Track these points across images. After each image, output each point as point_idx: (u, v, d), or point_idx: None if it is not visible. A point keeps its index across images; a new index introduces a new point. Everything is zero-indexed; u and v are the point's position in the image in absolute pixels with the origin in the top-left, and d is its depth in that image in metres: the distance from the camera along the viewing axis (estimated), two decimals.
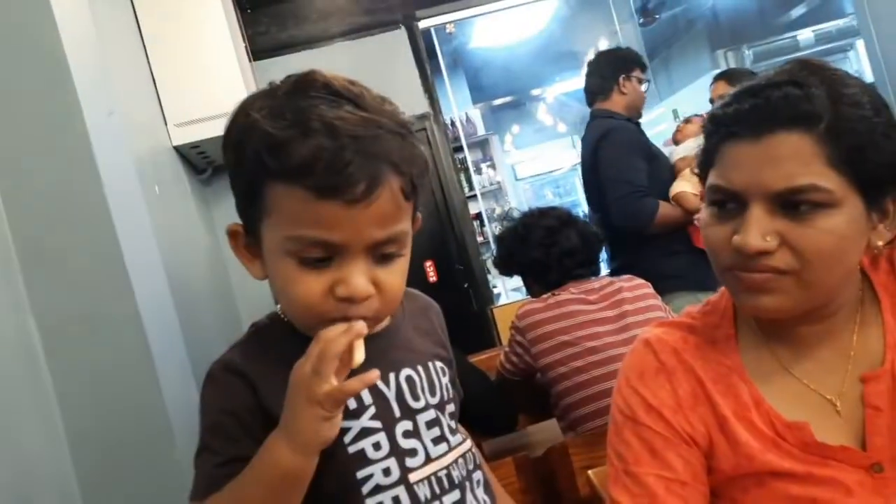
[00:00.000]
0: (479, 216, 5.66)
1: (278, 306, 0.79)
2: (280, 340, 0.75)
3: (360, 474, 0.71)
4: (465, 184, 5.24)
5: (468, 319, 4.94)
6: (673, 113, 5.55)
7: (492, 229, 5.73)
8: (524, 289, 2.55)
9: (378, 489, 0.72)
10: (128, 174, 1.27)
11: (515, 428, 1.85)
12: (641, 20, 6.26)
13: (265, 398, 0.70)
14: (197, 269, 2.05)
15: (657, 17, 6.29)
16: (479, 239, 5.31)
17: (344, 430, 0.71)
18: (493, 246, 5.62)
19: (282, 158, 0.64)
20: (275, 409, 0.68)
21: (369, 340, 0.69)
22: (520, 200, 7.14)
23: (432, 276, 4.45)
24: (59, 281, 1.04)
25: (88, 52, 1.18)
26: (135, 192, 1.29)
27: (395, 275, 0.70)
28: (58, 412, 1.02)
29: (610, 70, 2.56)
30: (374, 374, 0.64)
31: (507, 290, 5.63)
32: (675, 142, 2.74)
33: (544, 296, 1.69)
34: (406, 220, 0.70)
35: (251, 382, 0.71)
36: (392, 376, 0.76)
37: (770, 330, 0.82)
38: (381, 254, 0.68)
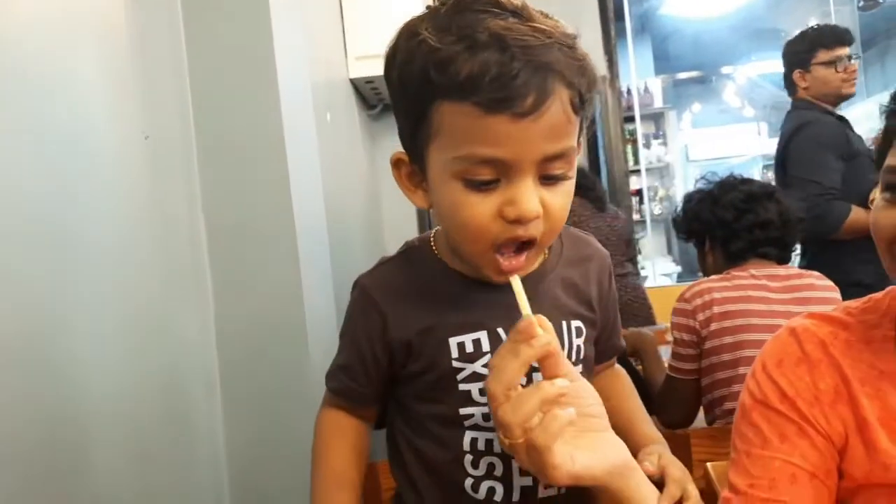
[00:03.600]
0: (639, 192, 5.44)
1: (432, 231, 0.82)
2: (424, 268, 0.80)
3: (463, 411, 0.76)
4: (630, 157, 5.04)
5: None
6: (880, 110, 4.97)
7: (651, 209, 5.50)
8: (675, 276, 2.39)
9: (477, 427, 0.76)
10: (304, 98, 1.34)
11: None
12: (861, 3, 5.60)
13: (391, 330, 0.78)
14: (352, 195, 2.14)
15: (881, 1, 5.61)
16: (636, 217, 5.11)
17: (458, 370, 0.75)
18: (648, 226, 5.42)
19: (449, 74, 0.62)
20: (397, 339, 0.77)
21: (507, 287, 0.70)
22: (687, 184, 6.77)
23: None
24: (228, 184, 1.13)
25: None
26: (308, 115, 1.36)
27: (562, 197, 0.68)
28: (212, 308, 1.12)
29: (787, 60, 2.34)
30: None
31: (657, 275, 5.41)
32: None
33: (716, 276, 1.53)
34: (574, 136, 0.67)
35: (382, 314, 0.78)
36: None
37: None
38: (548, 174, 0.66)
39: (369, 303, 0.79)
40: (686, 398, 1.54)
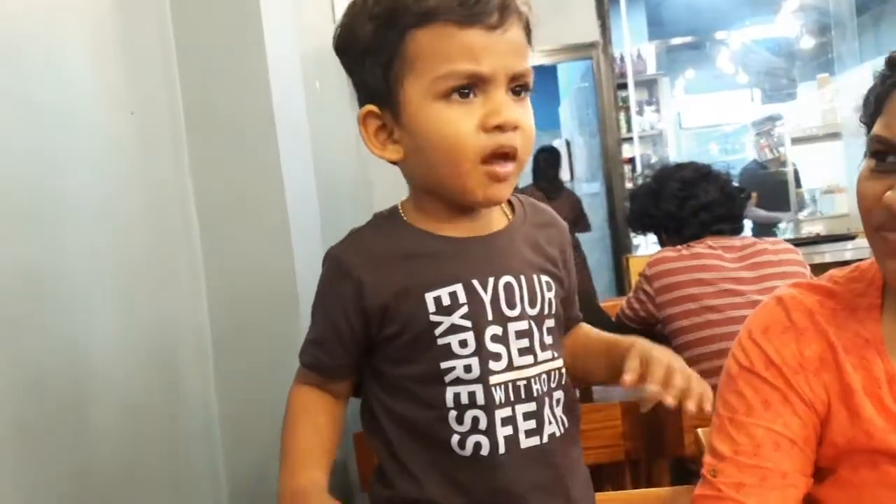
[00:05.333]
0: (632, 161, 5.42)
1: (400, 202, 0.83)
2: (395, 233, 0.81)
3: (444, 365, 0.76)
4: (623, 124, 5.02)
5: (603, 264, 4.84)
6: (874, 76, 4.94)
7: (643, 177, 5.49)
8: None
9: (458, 381, 0.77)
10: (293, 67, 1.32)
11: None
12: None
13: (368, 296, 0.78)
14: (343, 164, 2.12)
15: None
16: (629, 185, 5.10)
17: (436, 324, 0.76)
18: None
19: (421, 4, 0.70)
20: (373, 304, 0.78)
21: (478, 241, 0.78)
22: (680, 151, 6.75)
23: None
24: (218, 157, 1.12)
25: None
26: (297, 84, 1.34)
27: (528, 113, 0.75)
28: (203, 276, 1.11)
29: None
30: None
31: (648, 242, 5.42)
32: None
33: (679, 246, 1.65)
34: (529, 61, 0.75)
35: (357, 280, 0.78)
36: (491, 281, 0.77)
37: None
38: (516, 91, 0.73)
39: (342, 271, 0.79)
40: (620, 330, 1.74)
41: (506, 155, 0.73)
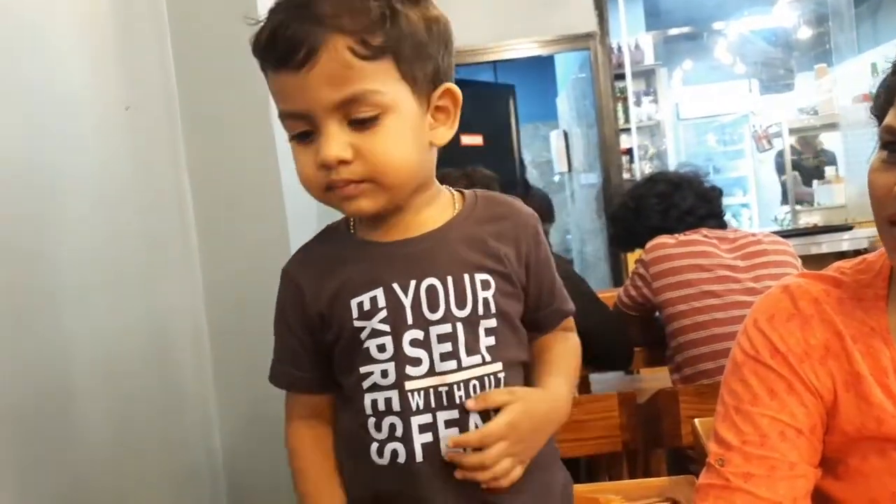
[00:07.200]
0: (629, 151, 5.41)
1: None
2: (336, 242, 0.81)
3: (363, 370, 0.76)
4: (621, 115, 5.00)
5: (599, 256, 4.85)
6: (872, 67, 4.93)
7: (641, 168, 5.48)
8: None
9: (375, 387, 0.76)
10: None
11: (630, 364, 1.85)
12: None
13: (308, 303, 0.78)
14: None
15: None
16: (626, 175, 5.09)
17: (360, 329, 0.76)
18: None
19: (255, 45, 0.71)
20: (312, 312, 0.78)
21: (406, 244, 0.76)
22: (678, 142, 6.73)
23: None
24: (214, 150, 1.12)
25: None
26: None
27: (377, 139, 0.70)
28: (199, 270, 1.11)
29: None
30: None
31: None
32: None
33: (676, 234, 1.69)
34: (370, 81, 0.69)
35: (299, 289, 0.79)
36: (413, 284, 0.76)
37: None
38: (354, 118, 0.70)
39: (290, 283, 0.81)
40: (621, 321, 1.77)
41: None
